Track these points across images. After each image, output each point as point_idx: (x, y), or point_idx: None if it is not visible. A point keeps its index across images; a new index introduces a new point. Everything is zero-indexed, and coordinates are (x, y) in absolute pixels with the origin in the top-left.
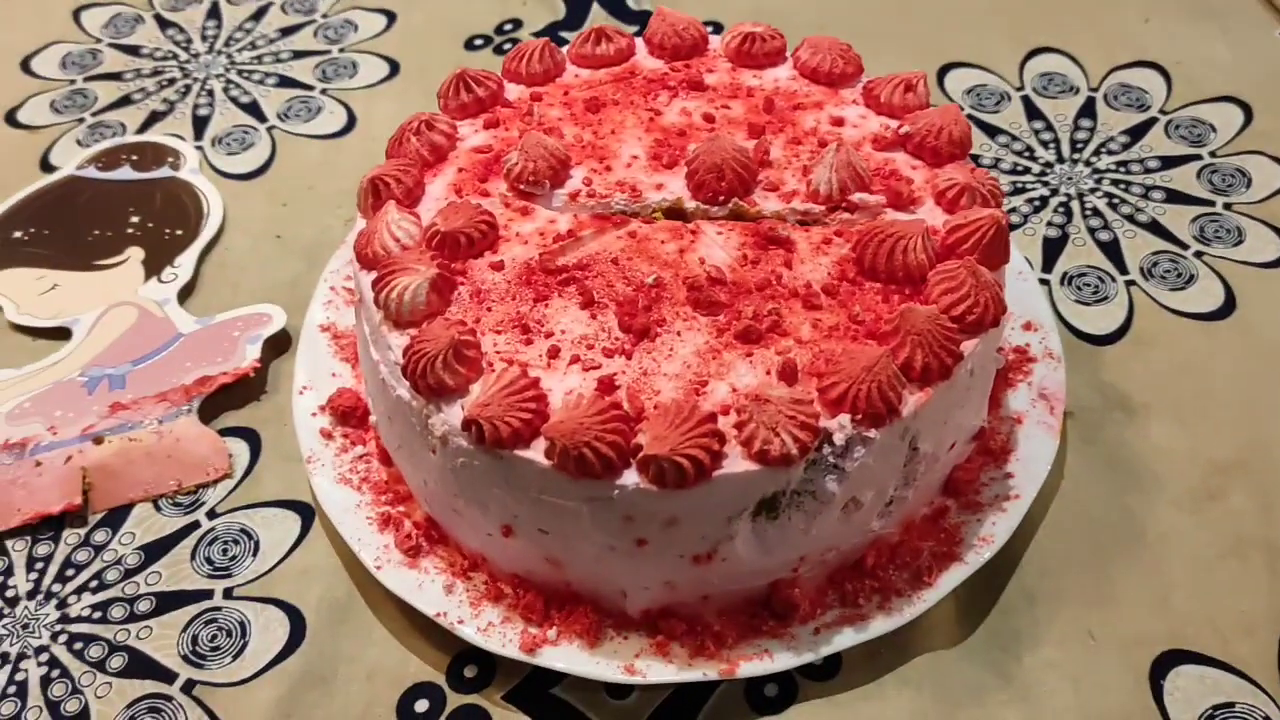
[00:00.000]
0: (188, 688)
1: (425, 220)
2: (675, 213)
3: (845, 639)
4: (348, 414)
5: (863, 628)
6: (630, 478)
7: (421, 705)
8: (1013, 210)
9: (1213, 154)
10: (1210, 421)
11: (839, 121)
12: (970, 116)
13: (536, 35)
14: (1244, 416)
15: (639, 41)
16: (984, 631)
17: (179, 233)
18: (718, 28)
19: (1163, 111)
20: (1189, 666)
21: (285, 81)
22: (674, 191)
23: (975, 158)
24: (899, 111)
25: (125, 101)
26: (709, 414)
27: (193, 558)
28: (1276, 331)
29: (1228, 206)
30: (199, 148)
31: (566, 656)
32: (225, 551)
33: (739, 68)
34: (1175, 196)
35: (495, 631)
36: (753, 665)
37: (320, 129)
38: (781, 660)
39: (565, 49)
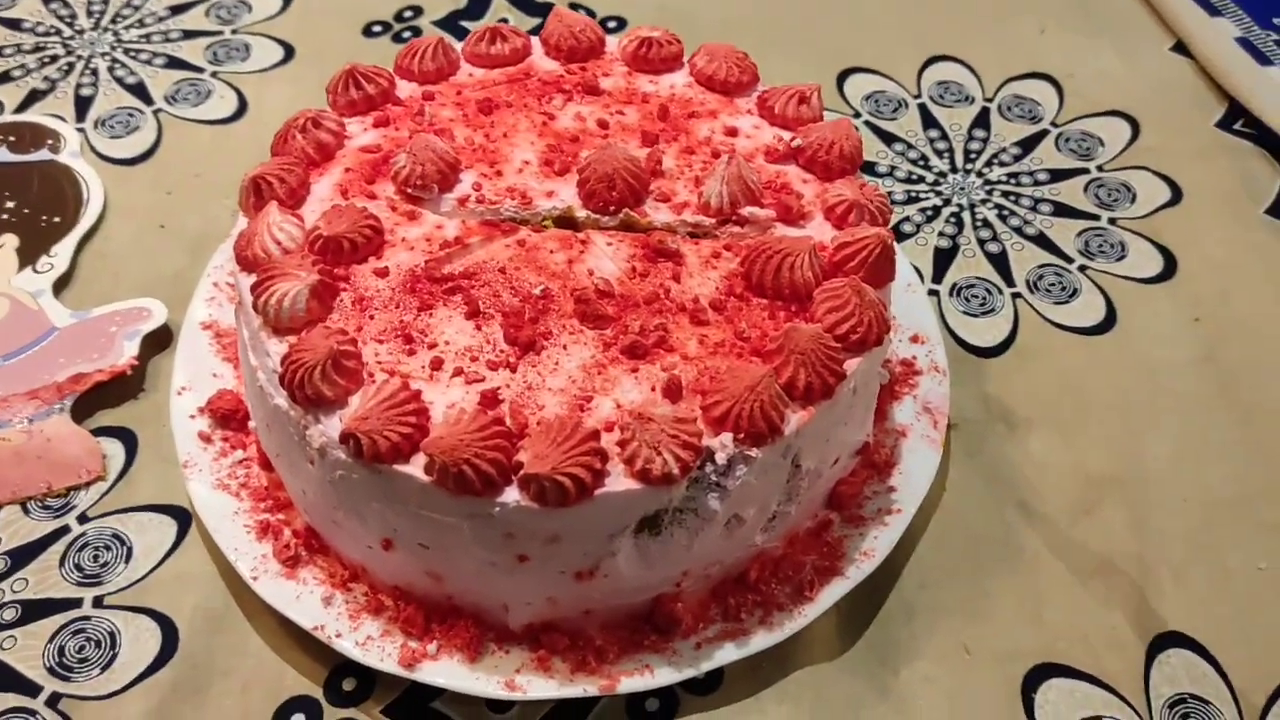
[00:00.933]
0: (53, 701)
1: (309, 222)
2: (565, 221)
3: (726, 654)
4: (228, 417)
5: (744, 642)
6: (511, 495)
7: (298, 719)
8: (906, 219)
9: (1100, 168)
10: (1087, 436)
11: (732, 131)
12: (868, 123)
13: (437, 23)
14: (1119, 431)
15: (535, 41)
16: (863, 644)
17: (56, 220)
18: (621, 22)
19: (1054, 124)
20: (1060, 680)
21: (174, 63)
22: (565, 199)
23: (871, 164)
24: (792, 123)
25: (4, 79)
26: (591, 432)
27: (61, 564)
28: (1154, 347)
29: (1112, 221)
30: (80, 130)
31: (446, 672)
32: (96, 558)
33: (635, 72)
34: (1062, 210)
35: (374, 645)
36: (633, 681)
37: (210, 114)
38: (662, 675)
39: (461, 45)
